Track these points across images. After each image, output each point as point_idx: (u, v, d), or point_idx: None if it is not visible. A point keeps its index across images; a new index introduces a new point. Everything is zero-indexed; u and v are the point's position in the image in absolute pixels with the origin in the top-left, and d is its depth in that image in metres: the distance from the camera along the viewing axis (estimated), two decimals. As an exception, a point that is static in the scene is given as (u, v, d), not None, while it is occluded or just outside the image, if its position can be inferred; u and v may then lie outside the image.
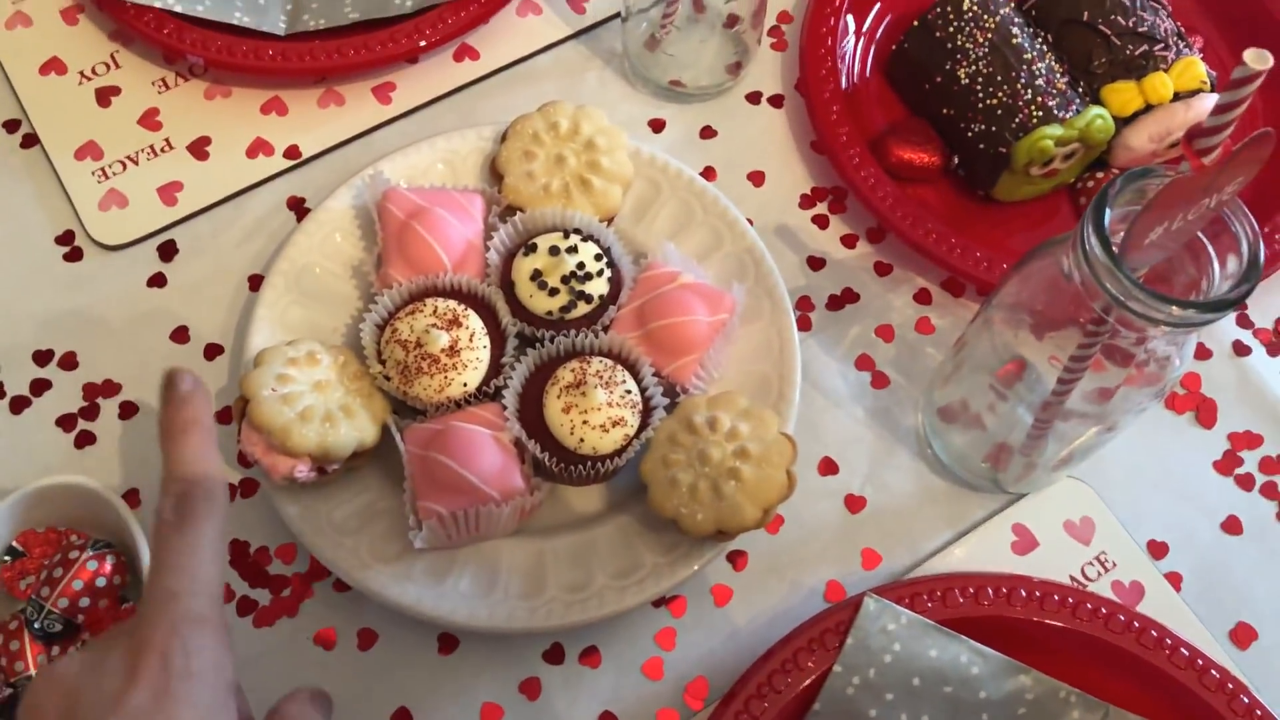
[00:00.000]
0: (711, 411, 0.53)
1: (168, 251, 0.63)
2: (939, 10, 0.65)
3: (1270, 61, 0.36)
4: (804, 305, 0.63)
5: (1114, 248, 0.41)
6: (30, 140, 0.66)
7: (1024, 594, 0.53)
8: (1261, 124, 0.68)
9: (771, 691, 0.50)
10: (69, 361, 0.60)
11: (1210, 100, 0.63)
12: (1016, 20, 0.65)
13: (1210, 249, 0.44)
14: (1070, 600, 0.53)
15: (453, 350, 0.53)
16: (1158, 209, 0.39)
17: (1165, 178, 0.41)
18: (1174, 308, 0.42)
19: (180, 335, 0.61)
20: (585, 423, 0.52)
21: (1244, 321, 0.63)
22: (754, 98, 0.69)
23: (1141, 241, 0.41)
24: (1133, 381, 0.48)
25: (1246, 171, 0.40)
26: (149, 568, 0.36)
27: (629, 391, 0.53)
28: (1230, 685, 0.51)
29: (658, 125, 0.68)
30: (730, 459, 0.51)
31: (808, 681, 0.51)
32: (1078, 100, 0.63)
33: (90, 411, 0.59)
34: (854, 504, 0.58)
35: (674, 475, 0.51)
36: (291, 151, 0.66)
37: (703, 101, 0.69)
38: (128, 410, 0.59)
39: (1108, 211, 0.42)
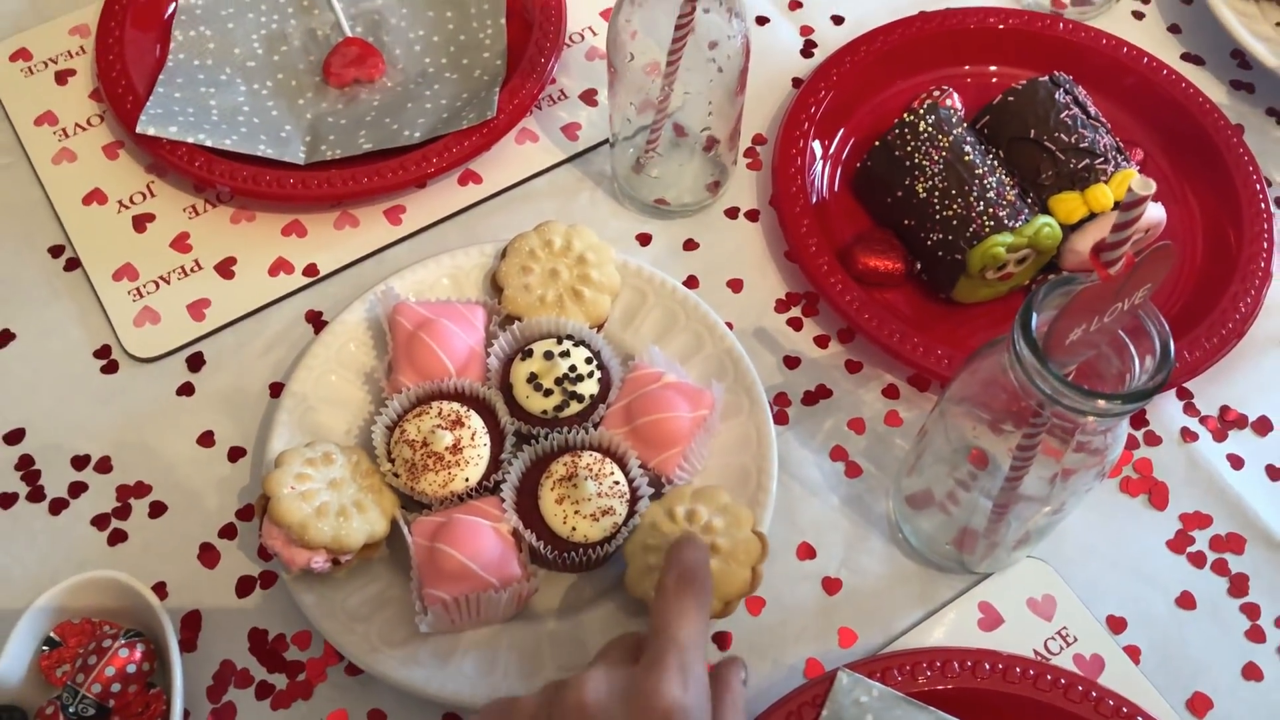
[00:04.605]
0: (693, 504, 0.57)
1: (196, 363, 0.69)
2: (898, 131, 0.72)
3: (1153, 188, 0.42)
4: (781, 401, 0.68)
5: (1042, 349, 0.47)
6: (73, 264, 0.72)
7: (988, 667, 0.57)
8: (1200, 227, 0.75)
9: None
10: (104, 465, 0.65)
11: (1147, 207, 0.69)
12: (969, 139, 0.71)
13: (1131, 346, 0.49)
14: (1032, 672, 0.56)
15: (456, 448, 0.58)
16: (1073, 313, 0.45)
17: (1082, 285, 0.47)
18: (1100, 400, 0.47)
19: (206, 440, 0.66)
20: (577, 512, 0.57)
21: (1190, 410, 0.68)
22: (732, 213, 0.76)
23: (1063, 342, 0.46)
24: (1074, 467, 0.53)
25: (1152, 278, 0.46)
26: (652, 618, 0.47)
27: (617, 483, 0.58)
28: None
29: (644, 239, 0.74)
30: None
31: (787, 753, 0.54)
32: (1026, 210, 0.69)
33: (123, 511, 0.64)
34: (831, 586, 0.62)
35: (649, 560, 0.55)
36: (310, 270, 0.72)
37: (685, 217, 0.75)
38: (157, 509, 0.64)
39: (1034, 316, 0.47)
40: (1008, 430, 0.54)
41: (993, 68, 0.81)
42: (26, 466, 0.65)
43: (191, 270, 0.72)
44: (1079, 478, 0.54)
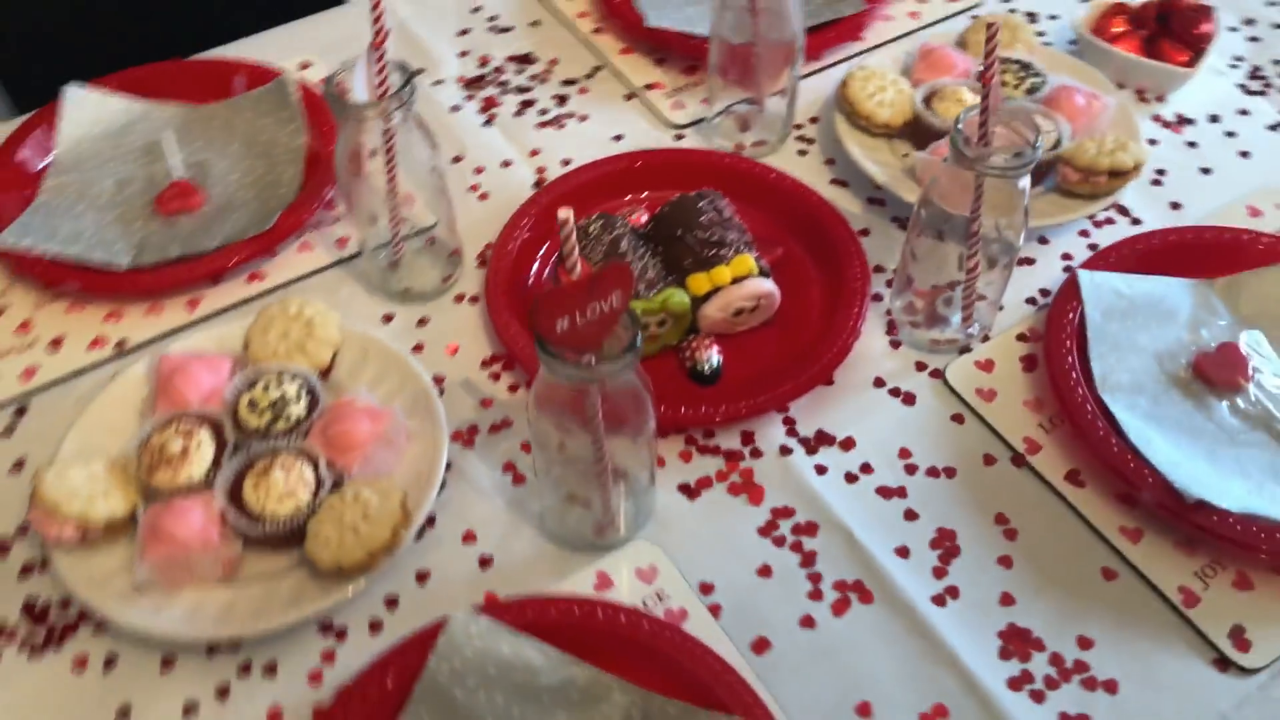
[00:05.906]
0: (359, 488, 0.76)
1: (20, 413, 0.89)
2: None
3: (566, 214, 0.63)
4: (472, 431, 0.87)
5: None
6: (-64, 342, 0.93)
7: (575, 609, 0.73)
8: (819, 298, 0.95)
9: (381, 683, 0.70)
10: (-66, 487, 0.84)
11: (755, 282, 0.90)
12: (627, 235, 0.93)
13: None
14: (611, 611, 0.73)
15: (184, 453, 0.77)
16: (547, 309, 0.64)
17: (551, 288, 0.66)
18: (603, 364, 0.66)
19: (17, 469, 0.85)
20: (268, 495, 0.75)
21: (792, 433, 0.87)
22: (460, 298, 0.97)
23: (553, 331, 0.65)
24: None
25: (618, 286, 0.65)
26: None
27: (304, 475, 0.77)
28: (731, 677, 0.70)
29: (388, 318, 0.95)
30: (357, 520, 0.73)
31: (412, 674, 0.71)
32: (662, 284, 0.90)
33: (-57, 520, 0.82)
34: (485, 562, 0.79)
35: (318, 529, 0.73)
36: (121, 344, 0.93)
37: (424, 302, 0.96)
38: (-30, 518, 0.83)
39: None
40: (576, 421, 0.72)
41: (679, 191, 1.04)
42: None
43: (31, 345, 0.93)
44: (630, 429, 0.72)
